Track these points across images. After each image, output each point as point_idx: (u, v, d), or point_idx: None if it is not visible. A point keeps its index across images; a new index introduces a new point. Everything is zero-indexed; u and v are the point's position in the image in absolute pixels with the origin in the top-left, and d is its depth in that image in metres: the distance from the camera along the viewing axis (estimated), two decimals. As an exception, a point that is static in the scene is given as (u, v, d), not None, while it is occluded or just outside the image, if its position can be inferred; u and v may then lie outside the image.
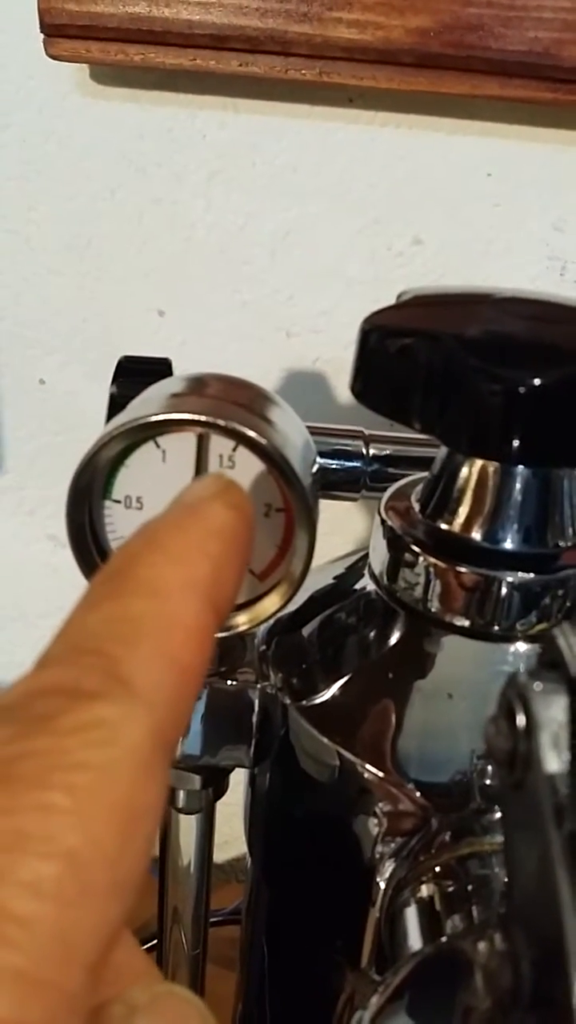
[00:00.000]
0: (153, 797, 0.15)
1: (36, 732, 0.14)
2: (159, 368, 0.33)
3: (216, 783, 0.35)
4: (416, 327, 0.28)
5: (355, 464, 0.36)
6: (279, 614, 0.29)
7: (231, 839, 0.40)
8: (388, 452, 0.36)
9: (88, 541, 0.27)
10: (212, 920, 0.40)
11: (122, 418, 0.26)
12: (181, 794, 0.35)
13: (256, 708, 0.33)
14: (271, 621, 0.31)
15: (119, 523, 0.28)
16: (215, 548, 0.18)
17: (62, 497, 0.27)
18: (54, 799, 0.13)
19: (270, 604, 0.28)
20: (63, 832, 0.13)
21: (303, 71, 0.45)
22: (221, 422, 0.26)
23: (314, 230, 0.51)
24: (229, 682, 0.33)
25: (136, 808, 0.14)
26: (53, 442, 0.57)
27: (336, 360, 0.53)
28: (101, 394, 0.33)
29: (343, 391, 0.53)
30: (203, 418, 0.26)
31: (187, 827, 0.36)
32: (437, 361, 0.27)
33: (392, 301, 0.30)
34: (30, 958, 0.12)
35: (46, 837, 0.13)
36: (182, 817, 0.36)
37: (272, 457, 0.26)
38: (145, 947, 0.53)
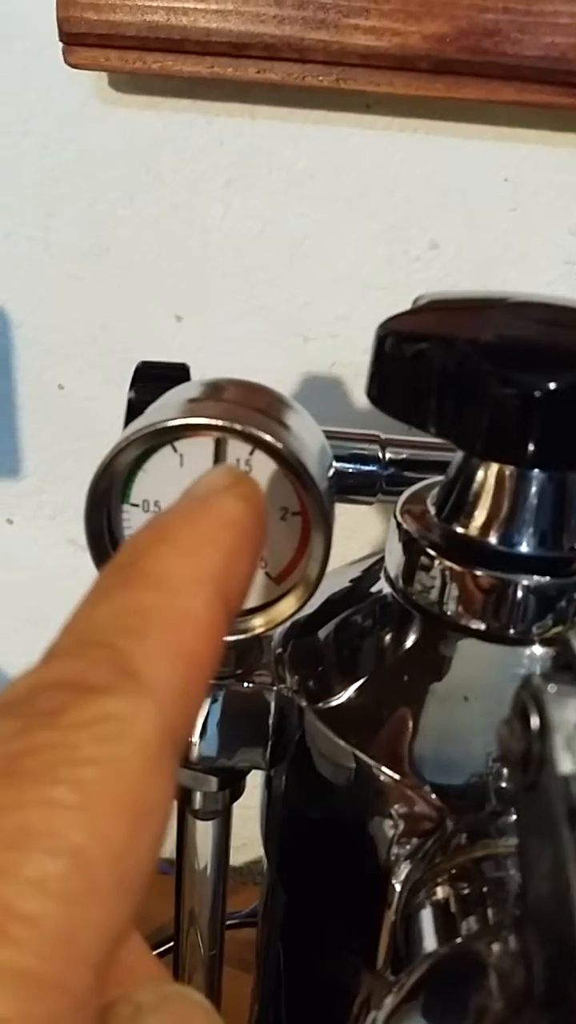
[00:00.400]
0: (162, 792, 0.14)
1: (43, 726, 0.14)
2: (176, 373, 0.34)
3: (233, 785, 0.35)
4: (431, 332, 0.28)
5: (371, 468, 0.36)
6: (295, 617, 0.29)
7: (249, 841, 0.41)
8: (404, 456, 0.36)
9: (107, 545, 0.28)
10: (229, 923, 0.40)
11: (140, 423, 0.26)
12: (198, 796, 0.35)
13: (272, 710, 0.33)
14: (287, 624, 0.31)
15: (137, 527, 0.28)
16: (226, 540, 0.17)
17: (82, 501, 0.27)
18: (60, 795, 0.13)
19: (286, 607, 0.29)
20: (69, 828, 0.13)
21: (320, 78, 0.45)
22: (238, 427, 0.26)
23: (331, 235, 0.51)
24: (246, 684, 0.33)
25: (144, 804, 0.14)
26: (72, 447, 0.57)
27: (353, 365, 0.53)
28: (119, 399, 0.33)
29: (360, 395, 0.53)
30: (220, 423, 0.26)
31: (204, 829, 0.36)
32: (452, 366, 0.27)
33: (409, 306, 0.30)
34: (35, 957, 0.12)
35: (52, 833, 0.13)
36: (199, 820, 0.36)
37: (288, 461, 0.26)
38: (162, 949, 0.53)
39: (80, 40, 0.45)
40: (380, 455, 0.36)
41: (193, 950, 0.40)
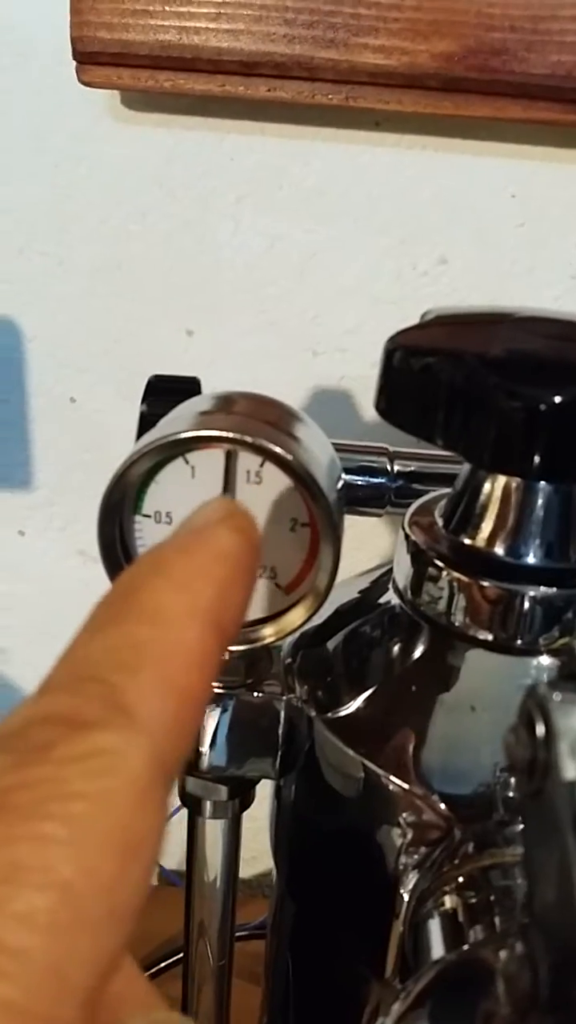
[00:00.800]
0: (152, 825, 0.14)
1: (34, 761, 0.14)
2: (188, 387, 0.34)
3: (242, 794, 0.35)
4: (439, 346, 0.29)
5: (380, 480, 0.36)
6: (305, 627, 0.29)
7: (258, 854, 0.41)
8: (412, 468, 0.36)
9: (119, 555, 0.28)
10: (238, 935, 0.40)
11: (153, 435, 0.27)
12: (208, 804, 0.35)
13: (282, 720, 0.34)
14: (297, 634, 0.31)
15: (149, 537, 0.28)
16: (220, 573, 0.18)
17: (92, 513, 0.27)
18: (50, 829, 0.13)
19: (296, 617, 0.29)
20: (59, 863, 0.13)
21: (330, 96, 0.46)
22: (248, 439, 0.26)
23: (340, 251, 0.52)
24: (255, 694, 0.33)
25: (134, 838, 0.14)
26: (83, 459, 0.58)
27: (362, 378, 0.53)
28: (131, 412, 0.34)
29: (368, 408, 0.54)
30: (231, 435, 0.26)
31: (213, 839, 0.36)
32: (460, 379, 0.27)
33: (417, 320, 0.31)
34: (23, 990, 0.12)
35: (41, 868, 0.13)
36: (208, 829, 0.36)
37: (298, 473, 0.27)
38: (171, 961, 0.53)
39: (93, 59, 0.45)
40: (388, 468, 0.36)
41: (202, 961, 0.40)
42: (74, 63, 0.46)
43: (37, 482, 0.58)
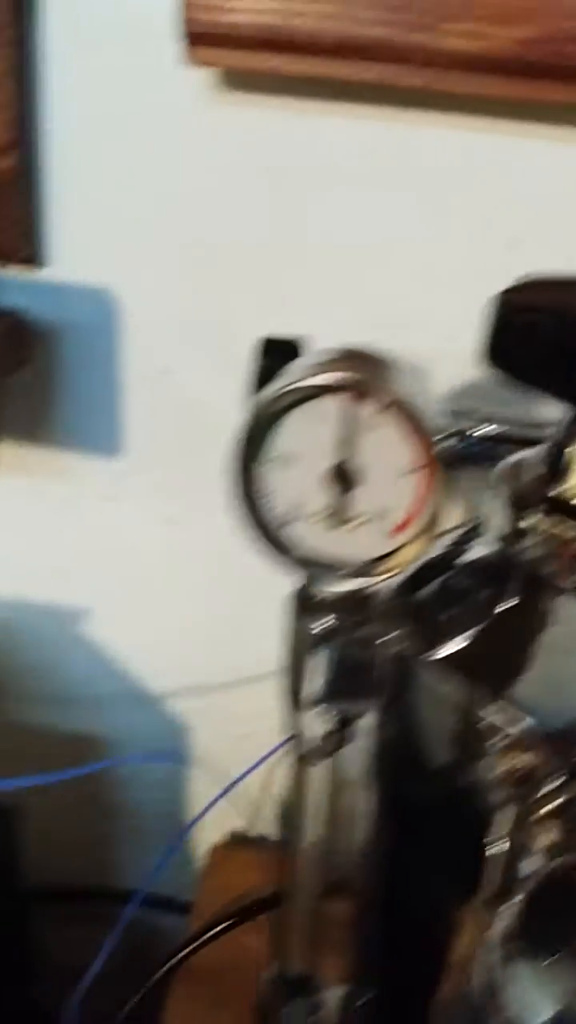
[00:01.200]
0: None
1: None
2: (295, 347, 0.36)
3: (342, 730, 0.37)
4: (543, 304, 0.31)
5: (466, 443, 0.38)
6: (415, 563, 0.31)
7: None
8: (497, 432, 0.38)
9: (247, 497, 0.30)
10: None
11: (278, 384, 0.29)
12: (310, 741, 0.37)
13: (382, 659, 0.35)
14: (395, 582, 0.33)
15: (274, 480, 0.30)
16: None
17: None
18: None
19: (407, 555, 0.31)
20: None
21: (415, 79, 0.48)
22: (370, 387, 0.28)
23: (421, 230, 0.53)
24: (359, 634, 0.35)
25: None
26: (173, 428, 0.59)
27: (435, 350, 0.55)
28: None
29: (442, 381, 0.56)
30: (356, 380, 0.28)
31: (313, 777, 0.38)
32: (566, 334, 0.29)
33: (489, 298, 0.32)
34: None
35: None
36: (308, 767, 0.38)
37: (416, 419, 0.29)
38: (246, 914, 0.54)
39: (200, 40, 0.47)
40: (473, 431, 0.38)
41: (298, 901, 0.41)
42: (180, 43, 0.48)
43: (128, 449, 0.61)
